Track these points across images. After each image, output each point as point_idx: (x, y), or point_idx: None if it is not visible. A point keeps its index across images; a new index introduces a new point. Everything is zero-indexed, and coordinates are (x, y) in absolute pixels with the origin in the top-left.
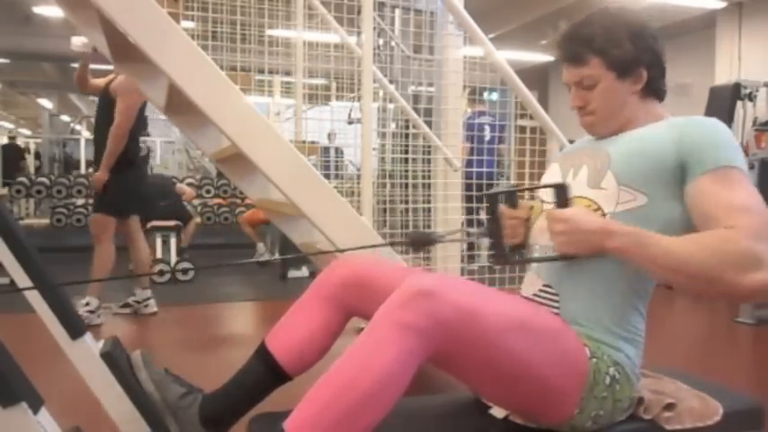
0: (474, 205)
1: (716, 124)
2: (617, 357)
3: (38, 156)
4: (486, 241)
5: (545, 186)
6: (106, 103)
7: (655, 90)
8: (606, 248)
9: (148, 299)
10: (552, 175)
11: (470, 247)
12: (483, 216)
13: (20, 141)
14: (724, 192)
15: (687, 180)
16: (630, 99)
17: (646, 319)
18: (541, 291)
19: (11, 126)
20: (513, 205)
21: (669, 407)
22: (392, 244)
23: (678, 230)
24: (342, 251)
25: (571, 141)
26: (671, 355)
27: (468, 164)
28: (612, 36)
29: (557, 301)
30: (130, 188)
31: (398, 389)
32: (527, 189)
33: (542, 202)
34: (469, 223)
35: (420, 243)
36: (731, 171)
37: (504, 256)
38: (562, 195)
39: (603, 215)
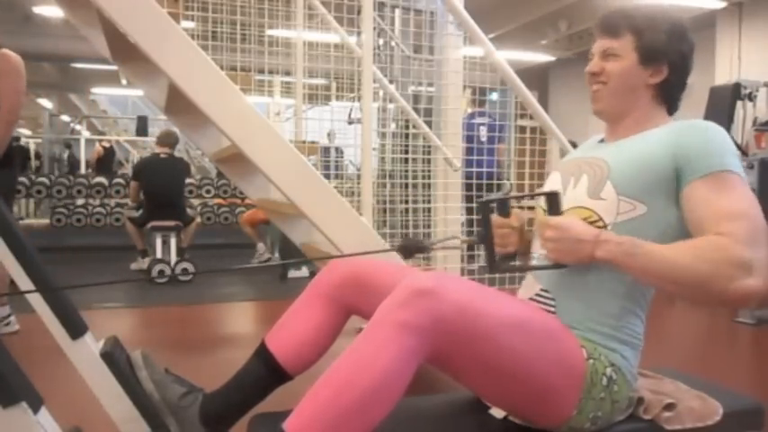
0: (474, 205)
1: (711, 128)
2: (613, 358)
3: (38, 156)
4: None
5: (537, 194)
6: None
7: (668, 97)
8: (596, 257)
9: (8, 316)
10: (553, 184)
11: (470, 247)
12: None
13: (21, 142)
14: (716, 197)
15: (682, 186)
16: (642, 92)
17: (645, 323)
18: (538, 295)
19: None
20: (504, 214)
21: (669, 407)
22: (382, 251)
23: (677, 236)
24: (330, 258)
25: (571, 141)
26: (671, 355)
27: (467, 164)
28: (652, 22)
29: (553, 306)
30: (11, 188)
31: (399, 388)
32: (519, 197)
33: (544, 210)
34: (469, 223)
35: (411, 250)
36: (724, 175)
37: (495, 264)
38: (554, 203)
39: (605, 226)
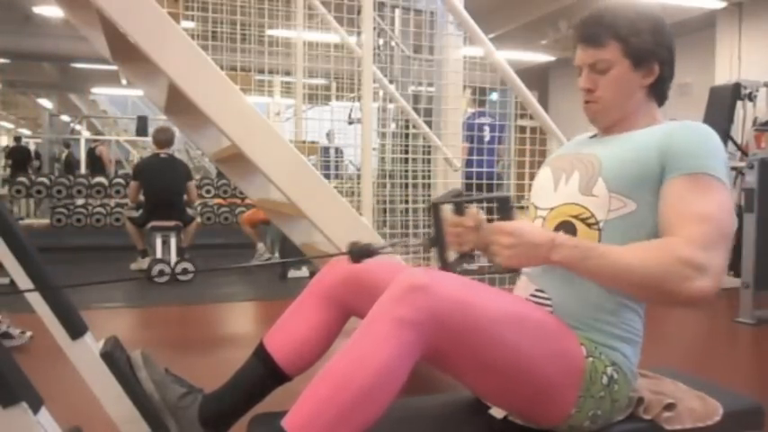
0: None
1: (703, 131)
2: (614, 357)
3: (38, 156)
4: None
5: (487, 198)
6: None
7: (659, 92)
8: (551, 261)
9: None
10: (544, 179)
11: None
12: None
13: (21, 142)
14: (690, 198)
15: (663, 182)
16: (637, 94)
17: (644, 318)
18: (533, 295)
19: (11, 126)
20: (459, 212)
21: (669, 407)
22: (329, 255)
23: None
24: (308, 259)
25: None
26: (671, 355)
27: (468, 164)
28: (635, 25)
29: (550, 305)
30: None
31: (396, 384)
32: (470, 200)
33: (536, 208)
34: None
35: (359, 255)
36: (705, 178)
37: (448, 264)
38: (506, 208)
39: (597, 222)
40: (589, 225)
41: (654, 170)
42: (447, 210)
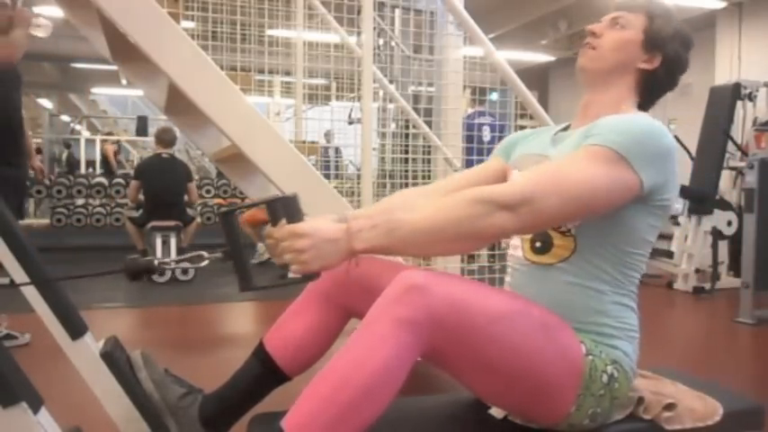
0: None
1: (634, 117)
2: (614, 355)
3: (38, 154)
4: None
5: (271, 200)
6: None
7: (648, 91)
8: (357, 251)
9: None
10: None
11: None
12: None
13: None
14: (568, 160)
15: None
16: (629, 73)
17: (638, 312)
18: None
19: None
20: (273, 223)
21: (669, 407)
22: (105, 273)
23: (645, 237)
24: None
25: None
26: (671, 355)
27: (467, 164)
28: (667, 13)
29: None
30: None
31: (395, 384)
32: (252, 205)
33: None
34: None
35: (137, 271)
36: (601, 149)
37: (247, 281)
38: (293, 208)
39: (568, 229)
40: (563, 233)
41: None
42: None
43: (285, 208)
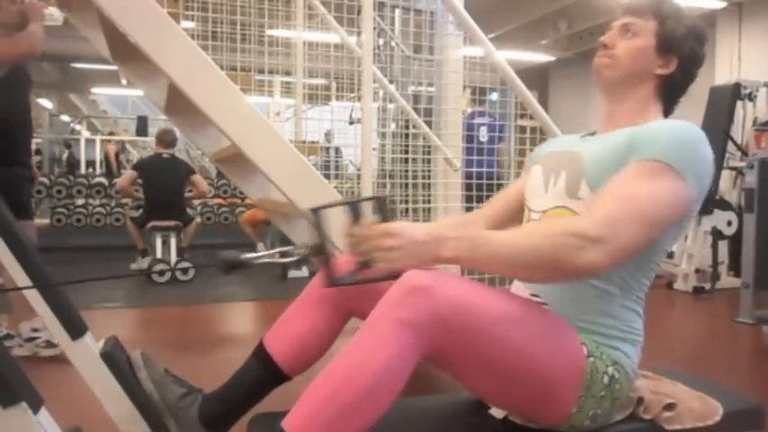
0: (474, 205)
1: (678, 124)
2: (616, 356)
3: (38, 155)
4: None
5: (365, 200)
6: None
7: (668, 94)
8: (441, 257)
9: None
10: (535, 179)
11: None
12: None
13: None
14: (631, 181)
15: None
16: (647, 80)
17: (644, 317)
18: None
19: None
20: (355, 220)
21: (669, 407)
22: (199, 267)
23: (667, 245)
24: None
25: None
26: (671, 355)
27: (467, 164)
28: (679, 13)
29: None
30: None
31: (397, 385)
32: (347, 203)
33: (530, 210)
34: None
35: (229, 266)
36: (656, 165)
37: (332, 279)
38: (384, 208)
39: None
40: None
41: (627, 163)
42: (333, 216)
43: (380, 207)
